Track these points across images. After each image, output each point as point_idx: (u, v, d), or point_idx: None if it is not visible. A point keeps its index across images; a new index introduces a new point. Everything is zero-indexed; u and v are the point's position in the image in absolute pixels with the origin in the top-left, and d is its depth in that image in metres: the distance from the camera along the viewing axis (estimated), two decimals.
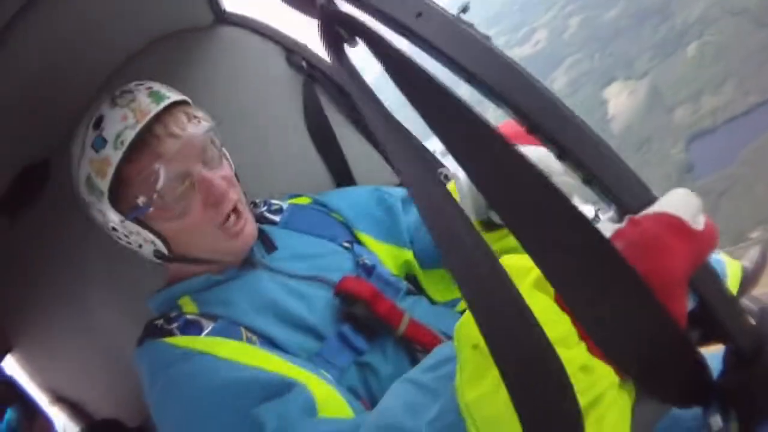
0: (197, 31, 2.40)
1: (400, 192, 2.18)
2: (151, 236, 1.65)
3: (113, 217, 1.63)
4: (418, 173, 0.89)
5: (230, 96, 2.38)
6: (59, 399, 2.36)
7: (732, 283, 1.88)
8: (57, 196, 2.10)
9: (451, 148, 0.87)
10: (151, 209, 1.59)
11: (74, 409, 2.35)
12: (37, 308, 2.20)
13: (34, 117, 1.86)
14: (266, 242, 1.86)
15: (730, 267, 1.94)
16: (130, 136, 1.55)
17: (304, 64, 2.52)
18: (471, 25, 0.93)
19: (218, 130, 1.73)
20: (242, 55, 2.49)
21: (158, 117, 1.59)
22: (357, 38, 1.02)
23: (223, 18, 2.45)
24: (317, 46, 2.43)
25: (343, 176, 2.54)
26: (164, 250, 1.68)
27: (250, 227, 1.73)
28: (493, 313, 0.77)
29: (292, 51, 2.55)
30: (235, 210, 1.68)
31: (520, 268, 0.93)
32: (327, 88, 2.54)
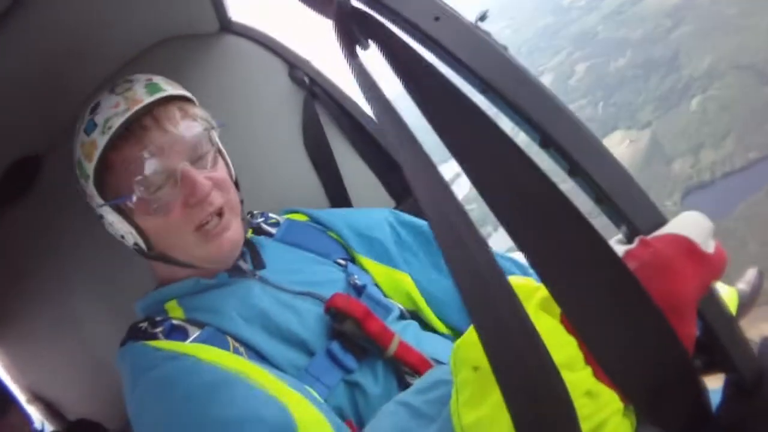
0: (202, 37, 2.40)
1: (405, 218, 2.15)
2: (130, 228, 1.64)
3: (98, 203, 1.64)
4: (429, 182, 0.86)
5: (229, 105, 2.37)
6: (37, 398, 2.31)
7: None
8: (47, 192, 2.10)
9: (465, 160, 0.84)
10: (133, 200, 1.58)
11: (51, 409, 2.30)
12: (20, 303, 2.17)
13: (31, 111, 1.86)
14: (255, 257, 1.83)
15: (726, 294, 1.91)
16: (117, 122, 1.55)
17: (306, 79, 2.52)
18: (489, 34, 0.91)
19: (216, 132, 1.73)
20: (245, 65, 2.50)
21: (150, 109, 1.59)
22: (370, 40, 1.00)
23: (229, 27, 2.46)
24: (320, 63, 2.45)
25: (338, 195, 2.52)
26: (143, 245, 1.67)
27: (232, 234, 1.69)
28: (501, 333, 0.74)
29: (295, 66, 2.54)
30: (220, 214, 1.66)
31: (526, 288, 0.90)
32: (327, 106, 2.53)
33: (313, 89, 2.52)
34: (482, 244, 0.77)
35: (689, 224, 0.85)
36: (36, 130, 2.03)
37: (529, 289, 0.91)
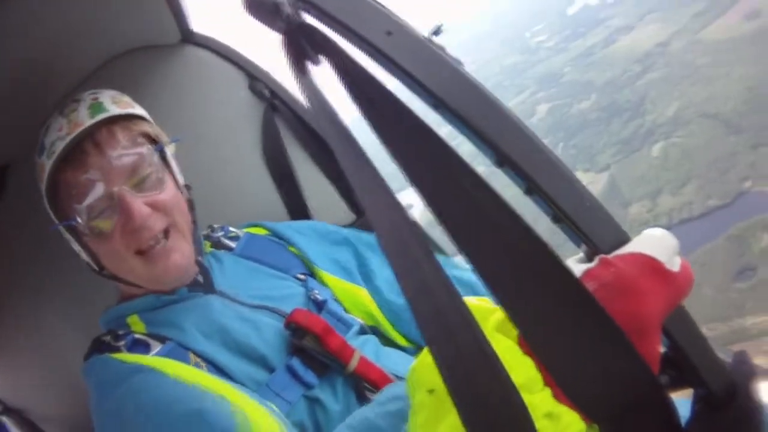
0: (163, 48, 2.39)
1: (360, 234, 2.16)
2: (81, 249, 1.65)
3: (54, 222, 1.64)
4: (380, 201, 0.83)
5: (189, 116, 2.36)
6: (9, 409, 2.28)
7: None
8: (14, 203, 2.10)
9: (416, 179, 0.80)
10: (77, 222, 1.57)
11: (23, 419, 2.27)
12: None
13: None
14: (206, 280, 1.79)
15: None
16: (59, 146, 1.56)
17: (266, 92, 2.50)
18: (443, 48, 0.88)
19: (170, 148, 1.72)
20: (205, 76, 2.49)
21: (92, 131, 1.58)
22: (321, 56, 0.97)
23: (190, 38, 2.44)
24: (280, 75, 2.43)
25: (298, 209, 2.50)
26: (94, 266, 1.68)
27: (179, 258, 1.66)
28: (457, 355, 0.71)
29: (256, 78, 2.52)
30: (166, 235, 1.64)
31: (482, 310, 0.87)
32: (288, 119, 2.52)
33: (274, 102, 2.50)
34: (436, 265, 0.74)
35: (653, 242, 0.82)
36: (2, 140, 2.00)
37: (485, 310, 0.88)
